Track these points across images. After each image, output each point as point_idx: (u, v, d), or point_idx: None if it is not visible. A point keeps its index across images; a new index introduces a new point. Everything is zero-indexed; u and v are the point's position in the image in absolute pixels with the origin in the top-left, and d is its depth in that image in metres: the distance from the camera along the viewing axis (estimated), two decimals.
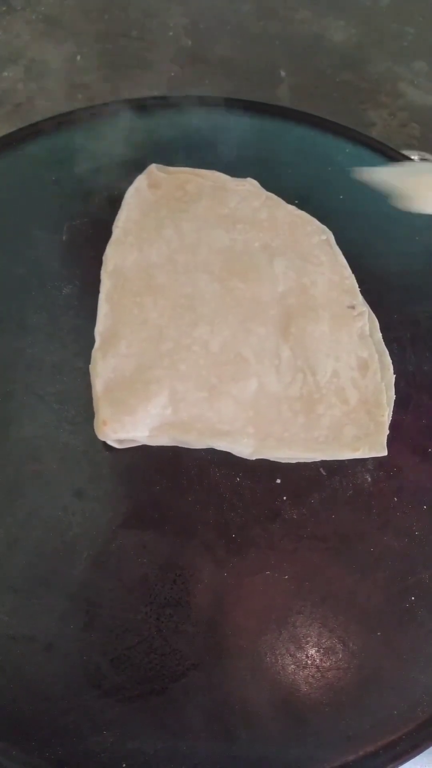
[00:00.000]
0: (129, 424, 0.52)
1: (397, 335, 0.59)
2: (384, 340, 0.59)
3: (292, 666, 0.49)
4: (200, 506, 0.53)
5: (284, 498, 0.53)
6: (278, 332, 0.57)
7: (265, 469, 0.54)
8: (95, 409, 0.53)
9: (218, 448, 0.53)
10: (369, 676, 0.49)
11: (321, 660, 0.49)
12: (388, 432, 0.55)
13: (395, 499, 0.54)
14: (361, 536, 0.52)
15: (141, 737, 0.47)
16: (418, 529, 0.53)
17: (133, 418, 0.52)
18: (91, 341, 0.56)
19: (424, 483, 0.55)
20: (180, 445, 0.54)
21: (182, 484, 0.53)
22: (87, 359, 0.56)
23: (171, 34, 0.97)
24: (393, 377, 0.57)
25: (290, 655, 0.49)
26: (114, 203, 0.64)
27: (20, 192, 0.65)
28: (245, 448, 0.53)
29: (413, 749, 0.47)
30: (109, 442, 0.53)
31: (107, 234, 0.62)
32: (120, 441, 0.53)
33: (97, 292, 0.59)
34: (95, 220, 0.63)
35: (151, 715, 0.47)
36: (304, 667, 0.49)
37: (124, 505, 0.53)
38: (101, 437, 0.52)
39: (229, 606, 0.50)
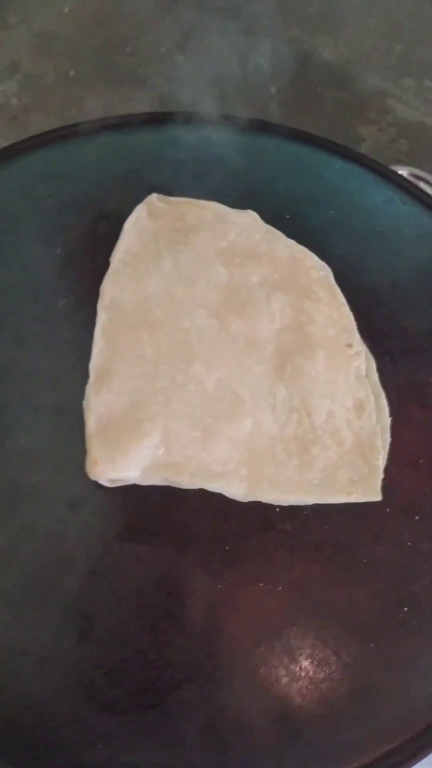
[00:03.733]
0: (121, 464, 0.52)
1: (388, 348, 0.60)
2: (374, 353, 0.59)
3: (286, 678, 0.49)
4: (194, 518, 0.53)
5: (277, 509, 0.53)
6: (274, 370, 0.57)
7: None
8: (87, 447, 0.53)
9: (210, 490, 0.53)
10: (363, 687, 0.49)
11: (315, 672, 0.49)
12: (382, 476, 0.55)
13: (387, 510, 0.54)
14: (354, 547, 0.53)
15: (136, 751, 0.47)
16: (410, 539, 0.53)
17: (125, 459, 0.52)
18: (87, 353, 0.56)
19: (416, 494, 0.55)
20: (171, 485, 0.53)
21: (177, 495, 0.53)
22: (83, 371, 0.56)
23: (163, 50, 0.98)
24: (389, 420, 0.57)
25: (284, 667, 0.49)
26: (109, 217, 0.65)
27: (15, 205, 0.65)
28: (237, 491, 0.53)
29: (409, 759, 0.47)
30: (101, 482, 0.53)
31: (102, 247, 0.63)
32: (111, 480, 0.53)
33: (93, 303, 0.59)
34: (90, 233, 0.64)
35: (146, 729, 0.47)
36: (298, 679, 0.49)
37: (119, 518, 0.53)
38: (92, 477, 0.52)
39: (223, 618, 0.50)
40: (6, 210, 0.65)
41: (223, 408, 0.55)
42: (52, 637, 0.49)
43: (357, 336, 0.60)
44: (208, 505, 0.53)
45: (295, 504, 0.54)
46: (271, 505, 0.53)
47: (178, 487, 0.54)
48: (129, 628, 0.49)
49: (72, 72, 0.95)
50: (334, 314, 0.60)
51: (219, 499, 0.53)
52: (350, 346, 0.59)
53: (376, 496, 0.54)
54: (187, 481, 0.53)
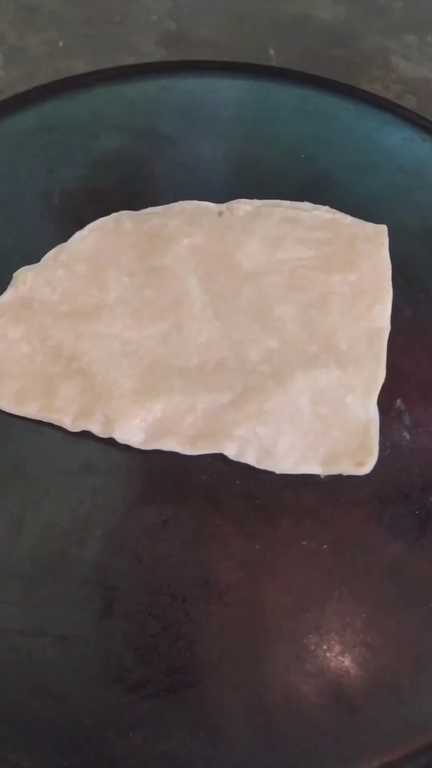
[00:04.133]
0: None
1: (424, 283, 0.55)
2: (411, 295, 0.54)
3: (338, 647, 0.43)
4: (223, 474, 0.47)
5: None
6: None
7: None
8: None
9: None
10: (425, 653, 0.43)
11: (371, 637, 0.43)
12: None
13: None
14: (403, 498, 0.47)
15: (173, 738, 0.41)
16: None
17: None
18: None
19: None
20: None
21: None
22: None
23: (154, 17, 0.94)
24: None
25: (336, 633, 0.43)
26: (108, 165, 0.60)
27: (9, 159, 0.60)
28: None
29: None
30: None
31: (99, 196, 0.58)
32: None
33: None
34: (89, 182, 0.59)
35: (183, 712, 0.41)
36: (353, 646, 0.43)
37: (138, 479, 0.47)
38: None
39: (262, 583, 0.44)
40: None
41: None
42: (71, 613, 0.43)
43: None
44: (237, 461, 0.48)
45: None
46: None
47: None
48: (157, 599, 0.43)
49: (60, 42, 0.91)
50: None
51: None
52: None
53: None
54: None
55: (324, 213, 0.57)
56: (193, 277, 0.53)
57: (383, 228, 0.56)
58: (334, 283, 0.53)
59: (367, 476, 0.47)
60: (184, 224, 0.56)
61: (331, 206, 0.57)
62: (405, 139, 0.63)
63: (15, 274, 0.53)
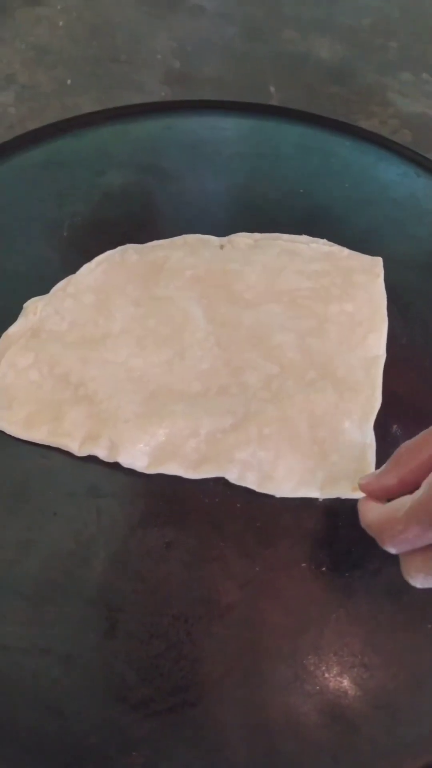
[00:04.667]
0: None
1: (419, 311, 0.57)
2: (406, 323, 0.56)
3: (337, 667, 0.44)
4: (224, 497, 0.49)
5: None
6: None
7: None
8: None
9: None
10: (422, 673, 0.44)
11: (369, 658, 0.44)
12: None
13: None
14: None
15: (175, 756, 0.41)
16: None
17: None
18: None
19: None
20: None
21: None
22: None
23: (159, 56, 0.97)
24: None
25: (334, 654, 0.44)
26: (112, 200, 0.62)
27: (18, 192, 0.63)
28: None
29: None
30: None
31: (105, 229, 0.61)
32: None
33: None
34: (96, 216, 0.61)
35: (186, 730, 0.42)
36: (351, 666, 0.44)
37: (142, 502, 0.48)
38: None
39: (263, 603, 0.45)
40: (10, 198, 0.63)
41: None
42: (76, 633, 0.44)
43: None
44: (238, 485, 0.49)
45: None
46: None
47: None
48: (160, 620, 0.44)
49: (69, 81, 0.94)
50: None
51: None
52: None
53: None
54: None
55: (322, 246, 0.59)
56: (195, 307, 0.55)
57: (378, 260, 0.59)
58: (331, 313, 0.55)
59: None
60: (187, 256, 0.58)
61: (329, 239, 0.60)
62: (400, 174, 0.66)
63: (25, 305, 0.55)
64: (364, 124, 0.93)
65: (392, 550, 0.40)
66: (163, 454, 0.49)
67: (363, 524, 0.43)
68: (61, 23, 1.01)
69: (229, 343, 0.54)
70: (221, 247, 0.59)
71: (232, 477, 0.49)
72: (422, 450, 0.40)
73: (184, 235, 0.60)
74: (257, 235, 0.60)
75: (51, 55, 0.97)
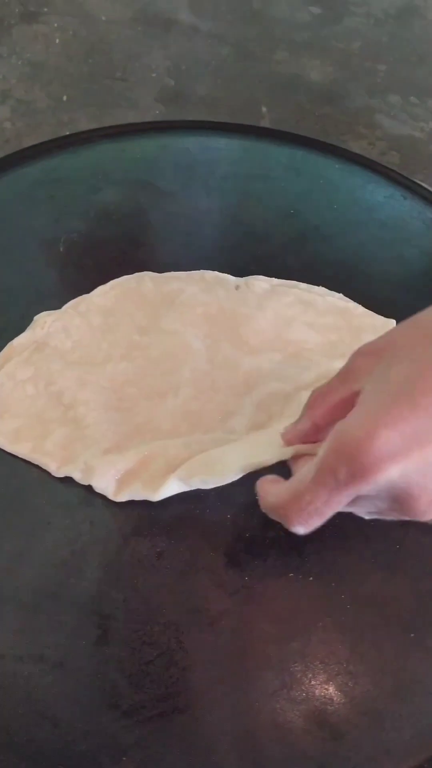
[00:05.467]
0: None
1: None
2: None
3: (323, 675, 0.46)
4: (216, 509, 0.50)
5: None
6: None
7: (284, 468, 0.51)
8: None
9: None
10: (406, 681, 0.46)
11: (354, 666, 0.46)
12: None
13: None
14: (385, 533, 0.50)
15: (165, 762, 0.42)
16: None
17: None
18: None
19: None
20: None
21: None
22: None
23: (154, 75, 1.00)
24: None
25: (321, 662, 0.46)
26: (108, 217, 0.64)
27: (14, 208, 0.64)
28: None
29: None
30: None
31: (101, 246, 0.62)
32: None
33: None
34: (92, 233, 0.63)
35: (175, 736, 0.43)
36: (336, 674, 0.45)
37: (135, 512, 0.50)
38: None
39: (252, 612, 0.47)
40: (5, 213, 0.64)
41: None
42: (69, 640, 0.45)
43: None
44: (230, 495, 0.50)
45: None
46: None
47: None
48: (151, 628, 0.46)
49: (65, 97, 0.96)
50: None
51: (240, 488, 0.50)
52: None
53: None
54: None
55: (337, 300, 0.59)
56: (200, 345, 0.56)
57: (392, 322, 0.59)
58: (333, 369, 0.55)
59: (350, 513, 0.50)
60: (201, 293, 0.58)
61: (318, 260, 0.61)
62: (387, 197, 0.68)
63: (35, 318, 0.56)
64: (353, 145, 0.95)
65: (301, 530, 0.40)
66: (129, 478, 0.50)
67: (264, 508, 0.43)
68: (57, 40, 1.03)
69: (224, 387, 0.54)
70: (237, 287, 0.59)
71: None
72: (331, 394, 0.42)
73: (202, 271, 0.60)
74: (275, 281, 0.60)
75: (47, 71, 0.99)
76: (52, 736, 0.42)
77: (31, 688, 0.44)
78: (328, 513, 0.38)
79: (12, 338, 0.56)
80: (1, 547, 0.48)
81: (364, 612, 0.47)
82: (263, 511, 0.43)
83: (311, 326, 0.58)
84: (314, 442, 0.44)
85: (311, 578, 0.48)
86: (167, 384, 0.54)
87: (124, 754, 0.42)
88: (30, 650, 0.44)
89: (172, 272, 0.60)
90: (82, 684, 0.44)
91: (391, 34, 1.06)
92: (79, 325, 0.56)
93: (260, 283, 0.60)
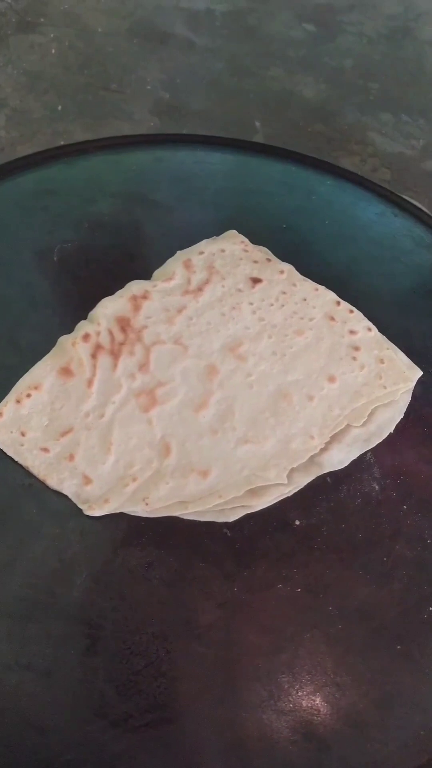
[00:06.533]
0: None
1: None
2: None
3: (310, 687, 0.46)
4: (206, 521, 0.50)
5: (292, 508, 0.51)
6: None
7: None
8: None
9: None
10: (392, 693, 0.46)
11: (341, 678, 0.46)
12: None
13: (404, 506, 0.52)
14: (372, 546, 0.50)
15: None
16: (430, 536, 0.51)
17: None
18: None
19: None
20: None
21: None
22: None
23: (149, 87, 1.01)
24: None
25: (308, 674, 0.46)
26: (102, 228, 0.64)
27: (9, 218, 0.64)
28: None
29: None
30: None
31: (95, 257, 0.62)
32: None
33: (88, 310, 0.58)
34: (83, 244, 0.63)
35: (162, 747, 0.43)
36: (323, 686, 0.46)
37: (124, 522, 0.50)
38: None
39: (240, 623, 0.47)
40: (1, 223, 0.64)
41: None
42: (57, 649, 0.45)
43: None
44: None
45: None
46: (286, 504, 0.51)
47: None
48: (139, 638, 0.46)
49: (60, 107, 0.97)
50: None
51: None
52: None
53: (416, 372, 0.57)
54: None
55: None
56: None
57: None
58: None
59: (338, 525, 0.51)
60: None
61: (309, 274, 0.62)
62: (378, 214, 0.69)
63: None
64: (345, 161, 0.97)
65: None
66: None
67: None
68: (53, 51, 1.04)
69: None
70: None
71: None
72: None
73: None
74: None
75: (43, 81, 1.00)
76: (39, 745, 0.42)
77: (18, 696, 0.44)
78: None
79: (4, 347, 0.56)
80: None
81: (352, 624, 0.48)
82: None
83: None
84: None
85: (299, 590, 0.48)
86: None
87: (111, 764, 0.42)
88: (18, 659, 0.44)
89: None
90: (70, 693, 0.44)
91: (383, 54, 1.08)
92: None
93: None
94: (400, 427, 0.55)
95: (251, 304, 0.60)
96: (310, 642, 0.47)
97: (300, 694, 0.45)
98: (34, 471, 0.51)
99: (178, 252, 0.63)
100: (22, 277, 0.61)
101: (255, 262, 0.62)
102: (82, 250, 0.63)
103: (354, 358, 0.57)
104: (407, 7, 1.13)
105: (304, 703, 0.45)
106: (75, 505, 0.50)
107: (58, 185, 0.68)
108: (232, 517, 0.50)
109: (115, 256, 0.63)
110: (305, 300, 0.60)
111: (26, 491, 0.50)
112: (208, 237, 0.64)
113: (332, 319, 0.59)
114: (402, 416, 0.56)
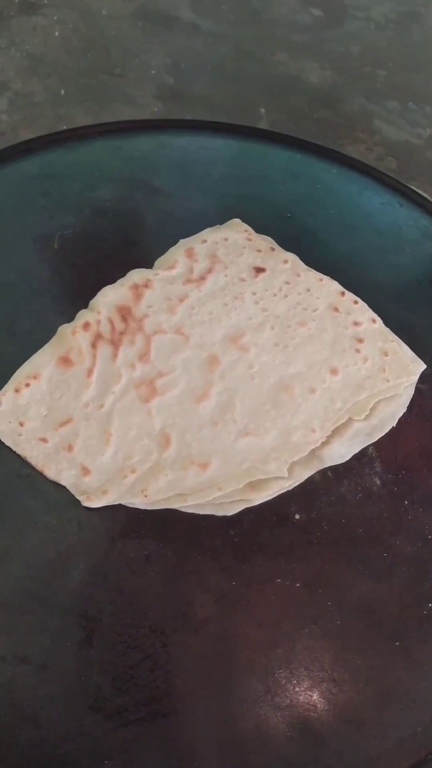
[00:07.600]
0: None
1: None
2: None
3: (307, 682, 0.46)
4: (205, 513, 0.50)
5: (292, 502, 0.51)
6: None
7: None
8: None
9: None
10: (389, 689, 0.46)
11: (338, 673, 0.46)
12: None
13: (405, 502, 0.52)
14: (373, 541, 0.50)
15: (148, 766, 0.42)
16: (431, 532, 0.51)
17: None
18: None
19: None
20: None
21: None
22: None
23: (153, 72, 0.99)
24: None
25: (305, 669, 0.46)
26: (102, 214, 0.63)
27: (10, 203, 0.63)
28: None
29: None
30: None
31: (95, 243, 0.61)
32: None
33: (88, 298, 0.57)
34: (87, 230, 0.62)
35: (157, 740, 0.43)
36: (320, 682, 0.45)
37: (122, 514, 0.49)
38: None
39: (238, 617, 0.47)
40: (1, 208, 0.63)
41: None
42: (53, 642, 0.45)
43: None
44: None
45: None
46: (286, 498, 0.51)
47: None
48: (136, 631, 0.45)
49: (63, 91, 0.95)
50: None
51: None
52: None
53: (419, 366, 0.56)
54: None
55: None
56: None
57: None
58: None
59: (338, 519, 0.50)
60: None
61: (312, 263, 0.61)
62: (383, 203, 0.68)
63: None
64: (350, 149, 0.95)
65: None
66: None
67: None
68: (56, 34, 1.02)
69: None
70: None
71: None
72: None
73: None
74: None
75: (45, 64, 0.98)
76: (34, 738, 0.42)
77: (13, 689, 0.43)
78: None
79: (3, 335, 0.55)
80: None
81: (350, 619, 0.47)
82: None
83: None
84: None
85: (298, 584, 0.48)
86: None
87: (106, 758, 0.42)
88: (13, 651, 0.44)
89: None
90: (66, 686, 0.44)
91: (390, 40, 1.06)
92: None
93: None
94: (402, 421, 0.55)
95: (254, 294, 0.59)
96: (308, 637, 0.46)
97: (297, 689, 0.45)
98: (32, 461, 0.50)
99: (181, 240, 0.62)
100: (22, 263, 0.60)
101: (258, 251, 0.61)
102: (82, 236, 0.62)
103: (357, 350, 0.56)
104: None
105: (301, 698, 0.45)
106: (73, 497, 0.49)
107: (59, 170, 0.67)
108: (231, 511, 0.50)
109: (116, 243, 0.62)
110: (309, 290, 0.59)
111: (24, 482, 0.50)
112: (210, 225, 0.63)
113: (336, 309, 0.58)
114: (405, 410, 0.55)
